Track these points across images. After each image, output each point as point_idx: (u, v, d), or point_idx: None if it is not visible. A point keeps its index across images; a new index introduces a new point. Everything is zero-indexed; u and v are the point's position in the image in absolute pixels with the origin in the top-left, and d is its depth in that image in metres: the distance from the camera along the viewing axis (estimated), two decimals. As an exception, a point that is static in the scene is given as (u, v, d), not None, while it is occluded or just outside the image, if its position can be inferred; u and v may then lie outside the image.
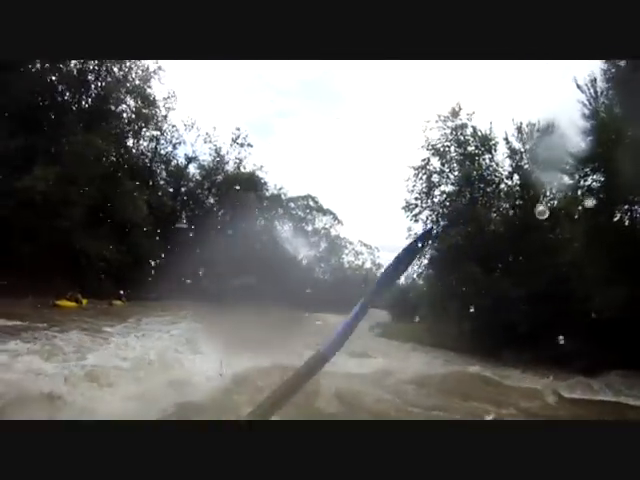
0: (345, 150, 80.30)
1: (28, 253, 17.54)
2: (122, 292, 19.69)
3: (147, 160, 29.35)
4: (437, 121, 23.29)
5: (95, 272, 19.94)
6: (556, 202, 19.69)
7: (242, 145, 34.32)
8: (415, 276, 25.46)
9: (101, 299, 18.79)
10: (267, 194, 38.46)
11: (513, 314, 16.45)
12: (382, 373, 10.81)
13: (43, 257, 17.61)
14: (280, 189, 40.73)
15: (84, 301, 16.98)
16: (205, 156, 32.54)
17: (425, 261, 23.21)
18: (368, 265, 54.56)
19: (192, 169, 32.53)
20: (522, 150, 21.18)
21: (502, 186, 22.65)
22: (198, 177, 32.21)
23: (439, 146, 23.26)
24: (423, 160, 23.94)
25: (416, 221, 23.45)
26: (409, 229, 23.68)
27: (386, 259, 61.34)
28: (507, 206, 22.49)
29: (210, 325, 15.75)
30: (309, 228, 47.53)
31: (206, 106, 61.87)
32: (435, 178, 23.88)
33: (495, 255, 20.28)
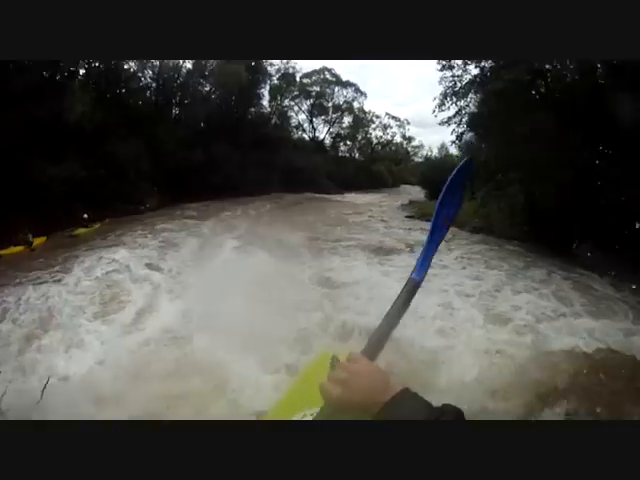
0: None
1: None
2: (86, 215, 16.93)
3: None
4: None
5: (61, 199, 16.75)
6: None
7: None
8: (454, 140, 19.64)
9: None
10: (272, 70, 36.51)
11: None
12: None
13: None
14: (287, 62, 38.40)
15: (36, 241, 14.23)
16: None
17: (464, 120, 18.54)
18: (398, 139, 53.22)
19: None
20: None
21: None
22: (189, 66, 29.04)
23: None
24: None
25: (451, 68, 18.10)
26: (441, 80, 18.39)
27: (416, 132, 59.01)
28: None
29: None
30: (329, 104, 45.92)
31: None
32: None
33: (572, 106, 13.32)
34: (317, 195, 32.66)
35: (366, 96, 46.71)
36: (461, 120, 18.44)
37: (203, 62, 28.42)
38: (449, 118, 18.58)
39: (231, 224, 17.19)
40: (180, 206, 21.57)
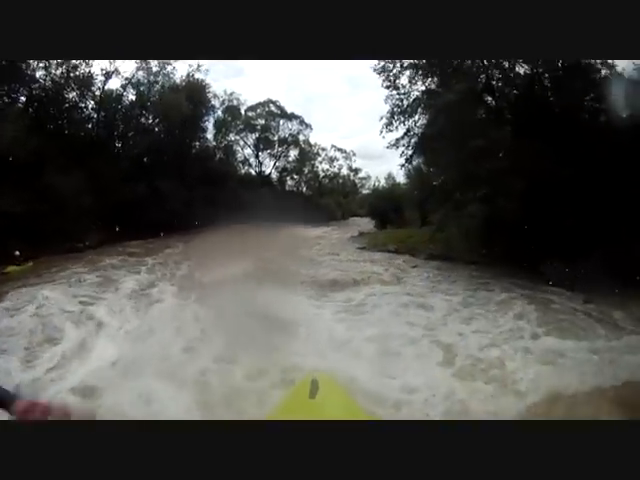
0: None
1: None
2: (17, 253, 16.31)
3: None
4: None
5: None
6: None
7: None
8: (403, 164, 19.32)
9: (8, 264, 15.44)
10: (216, 103, 36.59)
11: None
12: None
13: None
14: (232, 94, 38.93)
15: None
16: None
17: (413, 140, 18.31)
18: (345, 171, 54.37)
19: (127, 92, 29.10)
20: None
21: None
22: (132, 97, 28.99)
23: None
24: None
25: (396, 88, 18.07)
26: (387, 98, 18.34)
27: (362, 164, 60.76)
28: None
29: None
30: (275, 138, 46.54)
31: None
32: None
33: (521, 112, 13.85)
34: (265, 230, 32.66)
35: (311, 128, 47.63)
36: (410, 141, 18.37)
37: (145, 93, 28.39)
38: (397, 140, 18.53)
39: (175, 260, 16.74)
40: (122, 243, 20.88)
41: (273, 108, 45.26)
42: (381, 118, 18.49)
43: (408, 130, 18.31)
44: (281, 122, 46.23)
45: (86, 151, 22.83)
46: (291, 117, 46.23)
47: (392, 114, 18.34)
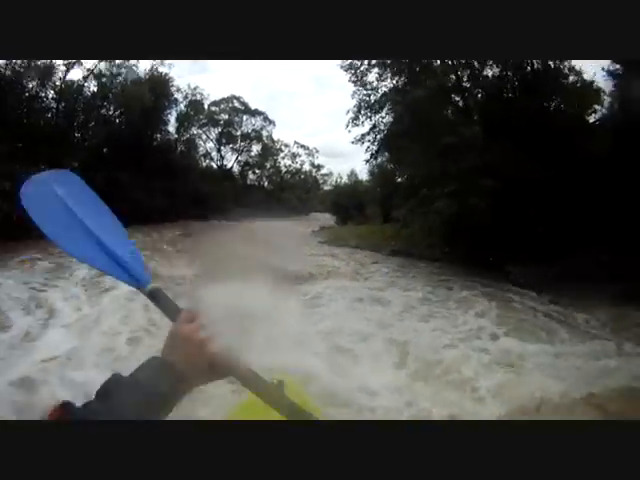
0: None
1: None
2: None
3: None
4: None
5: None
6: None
7: None
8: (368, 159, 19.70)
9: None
10: (179, 97, 36.13)
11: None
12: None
13: None
14: (195, 89, 38.54)
15: None
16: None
17: (379, 137, 18.43)
18: (307, 167, 54.53)
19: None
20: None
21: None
22: (93, 88, 28.24)
23: None
24: None
25: (363, 85, 17.98)
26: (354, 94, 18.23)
27: (325, 161, 60.90)
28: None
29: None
30: (238, 133, 46.27)
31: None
32: None
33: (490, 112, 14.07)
34: (225, 222, 32.39)
35: (275, 125, 47.80)
36: (376, 137, 18.41)
37: (107, 85, 27.78)
38: (363, 135, 18.57)
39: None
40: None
41: (237, 104, 45.39)
42: (347, 112, 18.51)
43: (374, 126, 18.38)
44: (244, 118, 46.46)
45: (45, 141, 22.21)
46: (255, 113, 46.44)
47: (359, 109, 18.36)
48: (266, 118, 46.86)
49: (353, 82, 17.94)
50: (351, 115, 18.48)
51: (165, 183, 28.95)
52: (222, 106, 44.33)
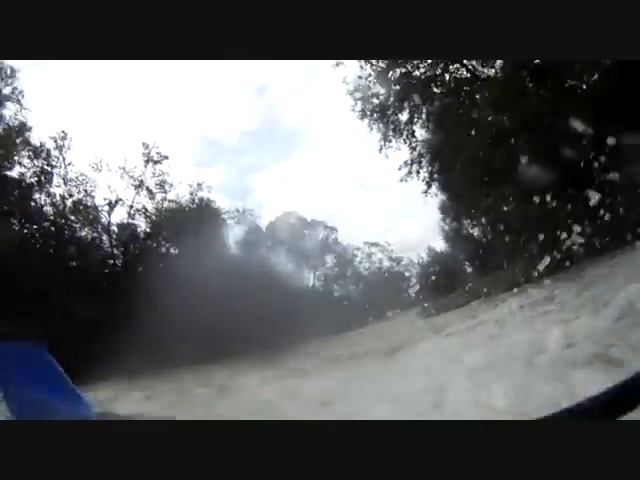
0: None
1: None
2: None
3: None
4: None
5: None
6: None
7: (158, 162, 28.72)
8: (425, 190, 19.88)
9: None
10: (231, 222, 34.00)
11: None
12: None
13: None
14: (244, 212, 35.43)
15: None
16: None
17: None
18: (386, 264, 51.07)
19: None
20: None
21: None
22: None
23: None
24: None
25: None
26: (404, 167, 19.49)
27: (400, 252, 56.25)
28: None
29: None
30: (305, 247, 43.13)
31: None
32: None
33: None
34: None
35: (337, 230, 45.46)
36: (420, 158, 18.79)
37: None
38: (406, 163, 19.40)
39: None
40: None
41: (292, 220, 42.05)
42: (400, 168, 19.27)
43: (431, 174, 19.03)
44: (306, 232, 43.44)
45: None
46: (314, 225, 43.99)
47: (411, 163, 19.22)
48: (326, 226, 44.15)
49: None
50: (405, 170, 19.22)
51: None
52: (279, 224, 40.78)
